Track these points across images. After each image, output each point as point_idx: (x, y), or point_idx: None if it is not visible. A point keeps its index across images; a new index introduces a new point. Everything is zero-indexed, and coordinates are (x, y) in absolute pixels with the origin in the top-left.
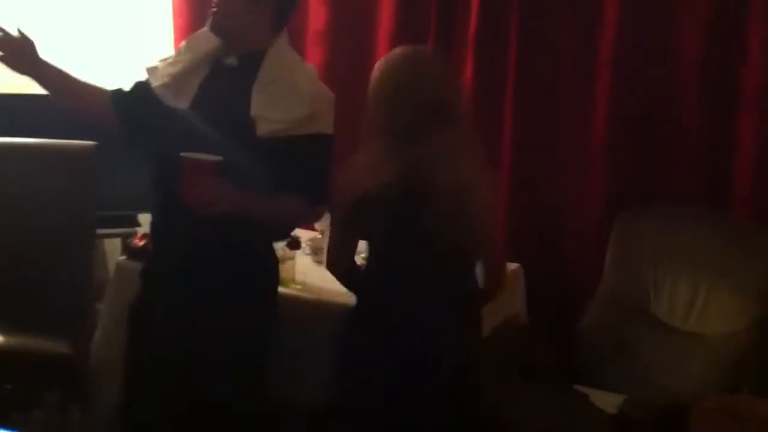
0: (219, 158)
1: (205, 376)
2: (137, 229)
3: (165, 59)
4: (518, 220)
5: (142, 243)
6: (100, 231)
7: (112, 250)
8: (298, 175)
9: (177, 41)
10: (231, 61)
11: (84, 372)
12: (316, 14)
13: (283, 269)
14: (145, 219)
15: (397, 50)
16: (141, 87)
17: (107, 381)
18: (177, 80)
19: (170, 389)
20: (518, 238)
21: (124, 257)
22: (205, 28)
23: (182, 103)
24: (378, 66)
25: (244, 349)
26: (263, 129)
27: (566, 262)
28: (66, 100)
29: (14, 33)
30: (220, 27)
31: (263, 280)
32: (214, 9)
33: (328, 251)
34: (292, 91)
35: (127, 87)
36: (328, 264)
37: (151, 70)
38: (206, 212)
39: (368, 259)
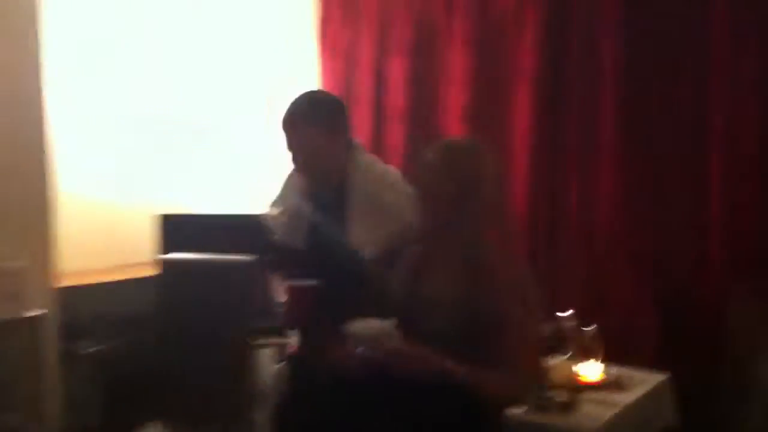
0: (316, 283)
1: None
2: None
3: (273, 206)
4: (668, 326)
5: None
6: (255, 341)
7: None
8: None
9: None
10: (322, 195)
11: None
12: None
13: None
14: None
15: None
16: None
17: None
18: (289, 226)
19: None
20: (668, 346)
21: (282, 363)
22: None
23: (300, 243)
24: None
25: None
26: (368, 252)
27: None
28: None
29: None
30: (306, 168)
31: None
32: (294, 153)
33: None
34: (380, 208)
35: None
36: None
37: (270, 219)
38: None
39: None
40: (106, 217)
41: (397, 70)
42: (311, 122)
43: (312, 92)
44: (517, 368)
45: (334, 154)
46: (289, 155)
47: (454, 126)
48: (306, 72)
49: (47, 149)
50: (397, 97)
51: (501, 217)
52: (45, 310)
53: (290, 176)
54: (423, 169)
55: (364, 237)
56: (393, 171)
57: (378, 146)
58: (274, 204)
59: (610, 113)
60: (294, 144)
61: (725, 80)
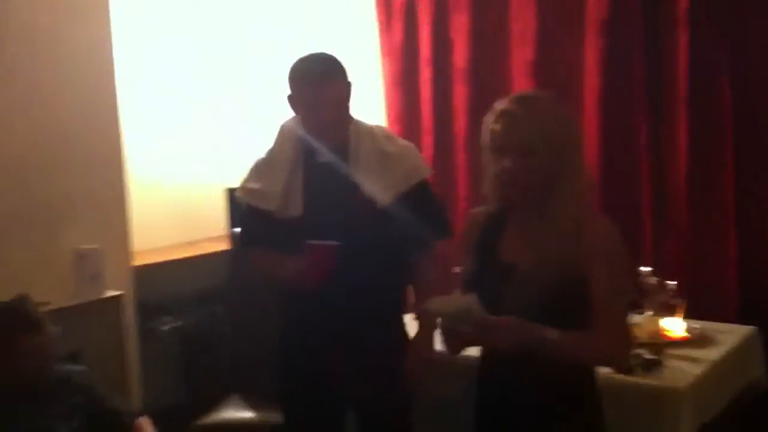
0: (336, 243)
1: None
2: None
3: (249, 180)
4: (751, 279)
5: None
6: None
7: None
8: (424, 220)
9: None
10: (322, 157)
11: None
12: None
13: None
14: None
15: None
16: (258, 215)
17: None
18: (283, 195)
19: None
20: (751, 299)
21: None
22: (281, 139)
23: (298, 212)
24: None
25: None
26: (382, 200)
27: None
28: None
29: None
30: (329, 125)
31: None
32: (320, 109)
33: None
34: (384, 158)
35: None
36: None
37: (248, 194)
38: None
39: None
40: (176, 196)
41: (460, 28)
42: (340, 77)
43: (323, 53)
44: (612, 331)
45: (348, 110)
46: (308, 113)
47: (520, 84)
48: (365, 35)
49: (120, 138)
50: (460, 56)
51: (584, 172)
52: (123, 291)
53: (272, 151)
54: (502, 121)
55: (373, 187)
56: (380, 127)
57: (443, 107)
58: (251, 180)
59: (684, 60)
60: (322, 99)
61: None
